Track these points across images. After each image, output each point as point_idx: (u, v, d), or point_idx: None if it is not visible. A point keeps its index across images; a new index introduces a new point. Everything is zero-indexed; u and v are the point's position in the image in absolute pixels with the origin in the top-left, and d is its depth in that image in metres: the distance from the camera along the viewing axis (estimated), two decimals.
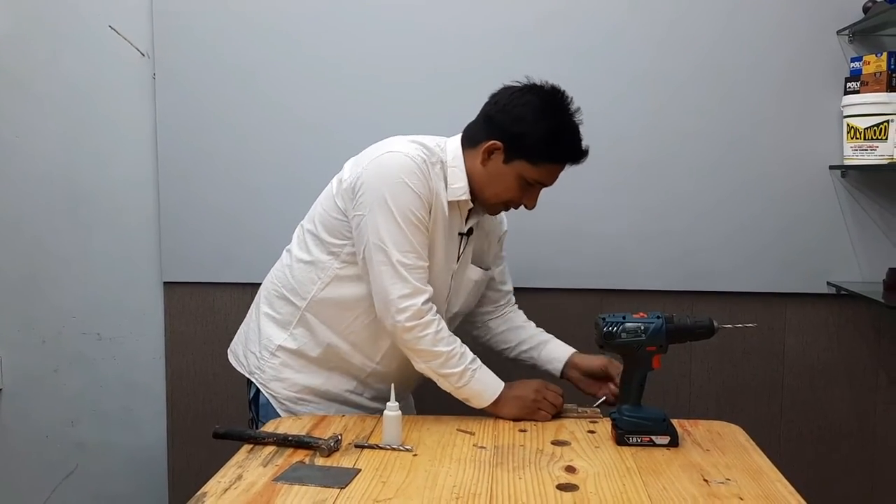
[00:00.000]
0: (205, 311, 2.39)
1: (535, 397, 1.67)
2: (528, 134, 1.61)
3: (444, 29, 2.24)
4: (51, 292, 2.44)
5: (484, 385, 1.65)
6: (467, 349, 1.67)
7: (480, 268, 1.81)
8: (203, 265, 2.36)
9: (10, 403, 2.48)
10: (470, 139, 1.69)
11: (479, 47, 2.23)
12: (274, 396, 1.78)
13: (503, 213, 1.86)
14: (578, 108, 1.67)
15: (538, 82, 1.68)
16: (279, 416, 1.76)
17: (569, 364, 1.83)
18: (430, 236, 1.64)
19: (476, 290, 1.82)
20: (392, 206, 1.58)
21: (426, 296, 1.61)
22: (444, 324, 1.65)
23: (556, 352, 1.86)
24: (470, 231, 1.74)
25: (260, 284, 2.35)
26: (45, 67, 2.36)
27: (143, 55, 2.34)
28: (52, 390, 2.46)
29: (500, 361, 1.88)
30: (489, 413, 1.68)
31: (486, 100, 1.73)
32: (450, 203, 1.67)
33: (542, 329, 1.94)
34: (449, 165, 1.67)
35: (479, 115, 1.71)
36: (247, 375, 1.84)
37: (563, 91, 1.67)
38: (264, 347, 1.79)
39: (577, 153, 1.66)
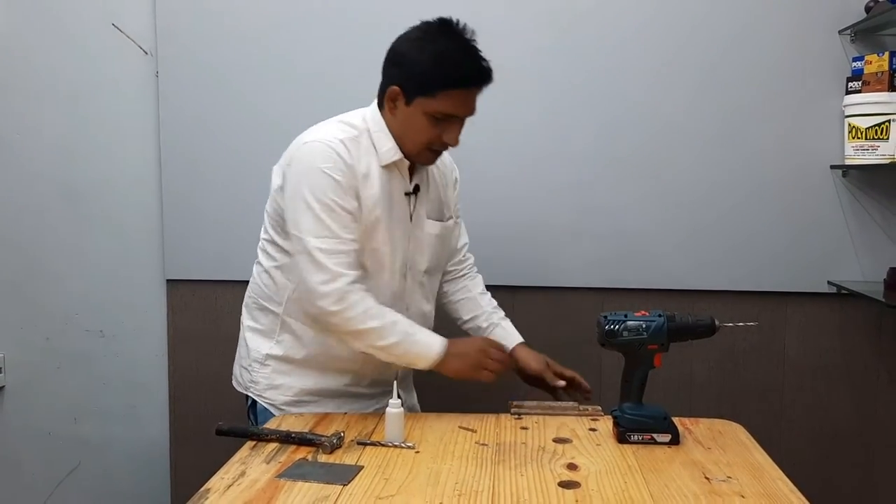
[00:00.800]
0: (207, 309, 2.39)
1: (477, 357, 1.66)
2: (415, 66, 1.59)
3: None
4: (53, 290, 2.44)
5: (424, 347, 1.63)
6: (401, 317, 1.64)
7: (440, 221, 1.78)
8: (206, 263, 2.36)
9: (13, 401, 2.48)
10: (380, 98, 1.68)
11: (483, 49, 2.23)
12: (272, 404, 1.77)
13: (449, 160, 1.85)
14: (472, 32, 1.61)
15: (430, 19, 1.64)
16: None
17: (511, 353, 1.80)
18: (370, 208, 1.63)
19: (441, 243, 1.79)
20: (308, 196, 1.59)
21: (348, 278, 1.59)
22: (371, 300, 1.61)
23: (504, 339, 1.83)
24: (416, 188, 1.72)
25: None
26: (47, 65, 2.36)
27: (146, 53, 2.34)
28: (55, 388, 2.47)
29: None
30: (436, 373, 1.66)
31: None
32: (386, 168, 1.66)
33: (497, 306, 1.91)
34: (373, 132, 1.66)
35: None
36: (243, 392, 1.83)
37: (453, 20, 1.62)
38: (254, 360, 1.79)
39: (469, 73, 1.59)
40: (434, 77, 1.58)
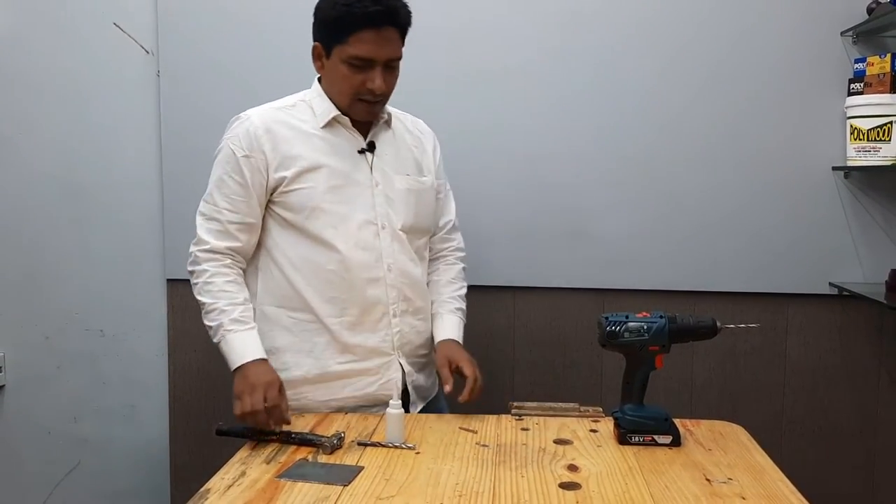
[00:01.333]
0: None
1: (251, 401, 1.55)
2: (326, 17, 1.62)
3: (451, 31, 2.24)
4: (54, 289, 2.44)
5: (230, 350, 1.63)
6: (237, 310, 1.64)
7: (411, 176, 1.76)
8: None
9: (13, 400, 2.48)
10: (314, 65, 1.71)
11: (483, 49, 2.23)
12: (292, 398, 1.69)
13: (425, 127, 1.86)
14: None
15: None
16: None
17: (441, 345, 1.77)
18: (304, 167, 1.66)
19: (417, 198, 1.76)
20: (215, 162, 1.72)
21: (207, 245, 1.68)
22: (222, 277, 1.66)
23: (436, 330, 1.80)
24: (371, 145, 1.72)
25: None
26: (49, 64, 2.36)
27: (148, 52, 2.34)
28: (55, 387, 2.47)
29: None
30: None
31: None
32: (329, 128, 1.69)
33: (459, 296, 1.86)
34: (311, 99, 1.72)
35: None
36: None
37: None
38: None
39: (371, 11, 1.58)
40: (341, 22, 1.60)
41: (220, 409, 2.40)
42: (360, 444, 1.51)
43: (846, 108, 2.17)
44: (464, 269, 1.92)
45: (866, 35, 2.17)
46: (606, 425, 1.63)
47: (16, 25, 2.36)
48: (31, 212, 2.42)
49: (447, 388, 1.69)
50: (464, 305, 1.87)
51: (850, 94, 2.16)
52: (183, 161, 2.33)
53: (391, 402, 1.52)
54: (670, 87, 2.24)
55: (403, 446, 1.50)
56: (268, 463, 1.43)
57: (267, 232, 1.71)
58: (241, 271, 1.72)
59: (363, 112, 1.69)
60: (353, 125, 1.71)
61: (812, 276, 2.26)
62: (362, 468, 1.40)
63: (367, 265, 1.68)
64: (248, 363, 1.61)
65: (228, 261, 1.69)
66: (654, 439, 1.52)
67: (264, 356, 1.64)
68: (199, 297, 1.69)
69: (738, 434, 1.62)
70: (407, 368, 1.76)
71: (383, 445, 1.50)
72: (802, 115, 2.22)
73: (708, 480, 1.37)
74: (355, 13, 1.58)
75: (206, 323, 1.68)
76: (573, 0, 2.23)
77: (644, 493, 1.31)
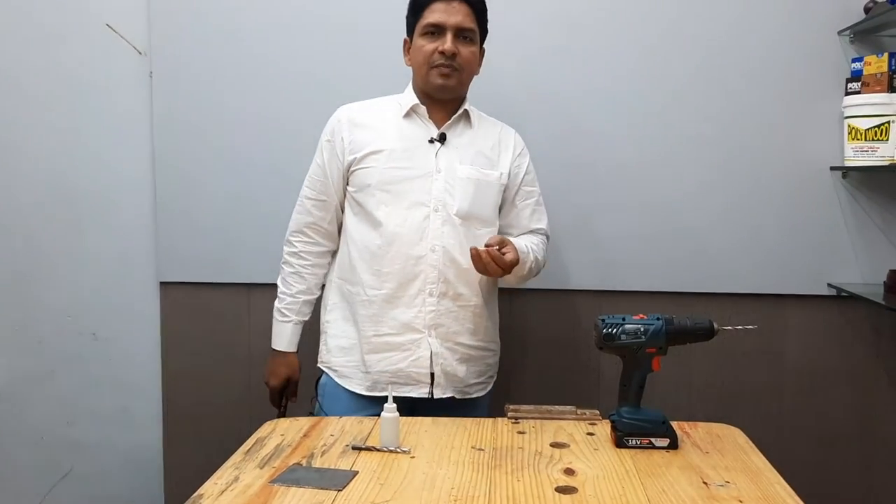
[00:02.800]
0: (201, 312, 2.37)
1: (269, 381, 1.99)
2: (408, 8, 1.86)
3: None
4: (46, 292, 2.42)
5: (274, 336, 1.97)
6: (284, 301, 1.94)
7: (476, 167, 1.86)
8: (199, 265, 2.34)
9: (6, 404, 2.46)
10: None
11: (487, 56, 2.22)
12: (332, 369, 1.92)
13: (515, 137, 1.96)
14: None
15: None
16: (338, 390, 1.89)
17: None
18: (375, 150, 1.83)
19: (476, 188, 1.85)
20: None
21: (291, 226, 1.94)
22: (286, 267, 1.94)
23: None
24: (443, 137, 1.85)
25: (256, 285, 2.35)
26: (41, 65, 2.34)
27: (141, 53, 2.32)
28: (48, 391, 2.45)
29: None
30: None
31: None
32: (410, 118, 1.86)
33: (530, 238, 1.94)
34: (400, 95, 1.90)
35: None
36: (319, 366, 1.97)
37: None
38: (322, 331, 1.97)
39: None
40: (418, 1, 1.82)
41: (214, 413, 2.39)
42: (354, 448, 1.50)
43: (843, 107, 2.16)
44: (545, 248, 1.99)
45: (863, 34, 2.17)
46: (603, 428, 1.62)
47: (6, 26, 2.34)
48: (23, 214, 2.40)
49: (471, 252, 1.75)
50: (539, 255, 1.92)
51: (847, 93, 2.15)
52: (176, 163, 2.32)
53: (386, 405, 1.51)
54: (666, 87, 2.23)
55: (398, 450, 1.48)
56: (261, 468, 1.42)
57: (345, 213, 1.90)
58: (311, 257, 1.93)
59: (438, 77, 1.81)
60: (431, 117, 1.86)
61: (810, 277, 2.25)
62: (356, 473, 1.39)
63: (410, 242, 1.81)
64: (276, 351, 1.98)
65: (300, 246, 1.92)
66: (651, 442, 1.51)
67: (288, 349, 1.96)
68: (279, 277, 1.98)
69: (735, 436, 1.61)
70: (436, 349, 1.83)
71: (378, 450, 1.49)
72: (800, 115, 2.21)
73: (705, 483, 1.36)
74: None
75: (275, 301, 1.98)
76: (566, 4, 2.22)
77: (641, 496, 1.30)
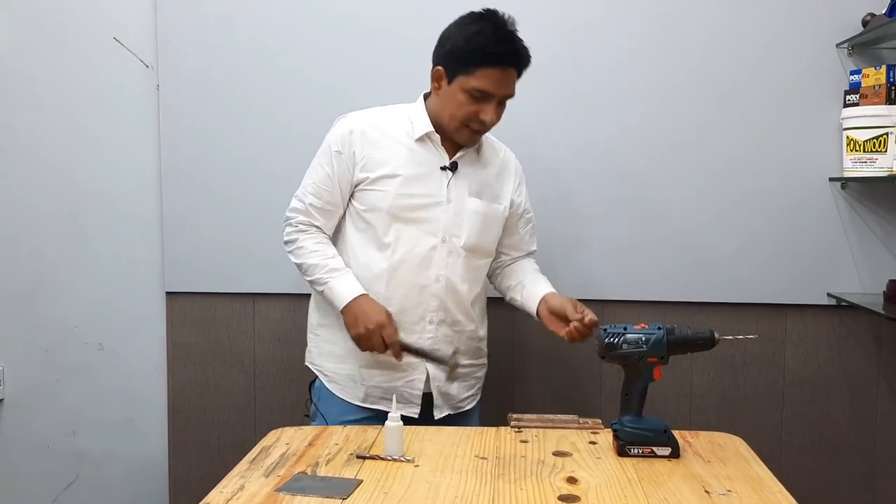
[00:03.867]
0: (206, 321, 2.39)
1: (370, 328, 1.74)
2: (455, 45, 1.73)
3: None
4: (53, 302, 2.44)
5: (333, 295, 1.79)
6: (330, 262, 1.80)
7: (483, 201, 1.86)
8: (205, 275, 2.36)
9: (12, 413, 2.48)
10: (430, 84, 1.83)
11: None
12: (320, 371, 1.92)
13: (515, 162, 1.96)
14: (511, 18, 1.75)
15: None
16: (331, 394, 1.89)
17: (542, 301, 1.86)
18: (387, 173, 1.79)
19: (483, 222, 1.86)
20: (315, 156, 1.88)
21: (291, 220, 1.86)
22: (308, 241, 1.83)
23: (534, 292, 1.89)
24: (455, 166, 1.83)
25: (262, 295, 2.37)
26: (49, 78, 2.37)
27: (147, 67, 2.35)
28: (54, 400, 2.47)
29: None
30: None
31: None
32: (421, 141, 1.81)
33: (542, 276, 1.95)
34: (412, 111, 1.84)
35: None
36: (308, 366, 1.96)
37: (498, 10, 1.76)
38: (310, 331, 1.96)
39: (505, 53, 1.72)
40: (472, 54, 1.71)
41: (219, 422, 2.40)
42: (358, 456, 1.51)
43: (842, 119, 2.18)
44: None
45: (861, 47, 2.19)
46: (605, 437, 1.63)
47: (16, 40, 2.37)
48: (31, 225, 2.42)
49: (563, 335, 1.78)
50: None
51: (845, 105, 2.17)
52: (182, 174, 2.34)
53: (390, 414, 1.52)
54: (665, 98, 2.24)
55: (402, 459, 1.49)
56: (266, 476, 1.43)
57: (345, 221, 1.86)
58: (326, 237, 1.86)
59: (467, 138, 1.81)
60: (443, 143, 1.83)
61: (810, 287, 2.26)
62: (361, 481, 1.40)
63: (415, 271, 1.81)
64: (351, 301, 1.77)
65: (313, 230, 1.85)
66: (653, 451, 1.52)
67: (364, 292, 1.79)
68: (295, 262, 1.85)
69: (737, 445, 1.61)
70: (433, 373, 1.85)
71: (382, 458, 1.50)
72: (799, 127, 2.23)
73: (707, 492, 1.37)
74: (487, 51, 1.71)
75: (308, 279, 1.84)
76: (567, 16, 2.24)
77: None
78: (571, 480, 1.41)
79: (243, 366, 2.39)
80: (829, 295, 2.25)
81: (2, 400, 2.48)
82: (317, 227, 1.85)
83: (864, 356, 2.29)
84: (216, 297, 2.38)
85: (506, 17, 1.75)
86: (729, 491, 1.37)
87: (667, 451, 1.52)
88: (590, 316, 1.76)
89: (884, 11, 2.06)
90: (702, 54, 2.23)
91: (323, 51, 2.28)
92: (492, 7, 1.77)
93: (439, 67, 1.77)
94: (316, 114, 2.28)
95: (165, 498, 2.45)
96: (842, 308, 2.25)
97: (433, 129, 1.81)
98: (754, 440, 1.65)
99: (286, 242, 1.87)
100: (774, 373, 2.31)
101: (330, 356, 1.90)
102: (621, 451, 1.53)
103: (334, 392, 1.89)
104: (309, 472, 1.45)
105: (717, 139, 2.25)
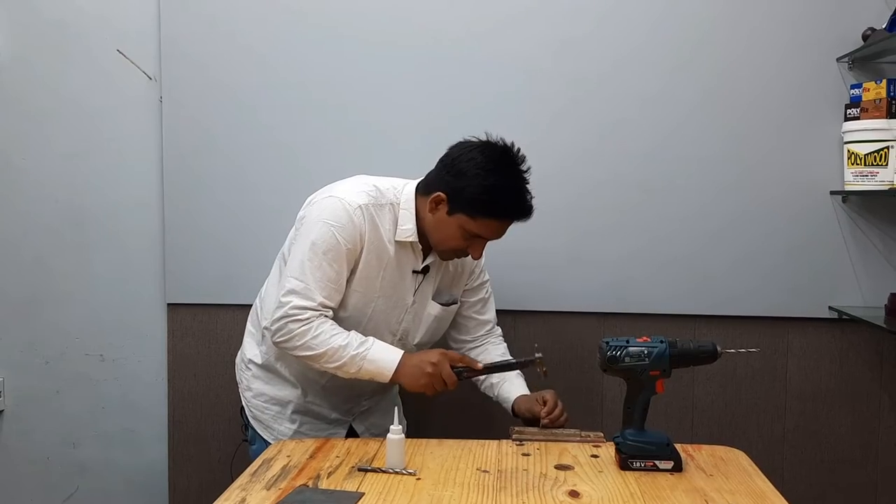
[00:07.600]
0: (207, 333, 2.39)
1: (429, 371, 1.70)
2: (467, 189, 1.68)
3: (450, 60, 2.26)
4: (54, 313, 2.44)
5: (377, 367, 1.71)
6: (355, 339, 1.70)
7: (440, 303, 1.87)
8: (206, 287, 2.36)
9: (12, 424, 2.47)
10: (424, 186, 1.76)
11: (483, 76, 2.25)
12: (247, 405, 1.95)
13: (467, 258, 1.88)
14: (528, 168, 1.72)
15: (492, 139, 1.74)
16: (250, 423, 1.93)
17: (514, 406, 1.85)
18: (369, 274, 1.75)
19: (437, 323, 1.89)
20: (308, 243, 1.71)
21: (301, 315, 1.69)
22: (324, 328, 1.69)
23: (508, 392, 1.87)
24: (426, 269, 1.82)
25: None
26: (53, 90, 2.38)
27: (151, 79, 2.36)
28: (54, 411, 2.46)
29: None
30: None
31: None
32: (401, 242, 1.77)
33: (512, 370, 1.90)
34: (401, 208, 1.76)
35: (436, 165, 1.77)
36: (238, 383, 2.00)
37: (514, 150, 1.73)
38: (242, 360, 1.97)
39: (514, 211, 1.72)
40: (482, 206, 1.68)
41: (219, 434, 2.39)
42: (360, 469, 1.51)
43: (843, 133, 2.18)
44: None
45: (862, 61, 2.20)
46: (608, 450, 1.63)
47: (20, 51, 2.38)
48: (33, 235, 2.43)
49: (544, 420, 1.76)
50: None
51: (846, 119, 2.18)
52: (184, 186, 2.34)
53: (391, 427, 1.52)
54: (668, 111, 2.25)
55: (404, 472, 1.49)
56: (268, 489, 1.43)
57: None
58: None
59: (448, 258, 1.82)
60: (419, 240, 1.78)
61: (812, 301, 2.26)
62: (362, 494, 1.40)
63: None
64: (400, 362, 1.71)
65: (324, 316, 1.73)
66: (655, 465, 1.52)
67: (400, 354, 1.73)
68: (312, 354, 1.70)
69: (739, 459, 1.61)
70: (359, 429, 1.96)
71: (384, 471, 1.50)
72: (800, 140, 2.23)
73: None
74: (499, 206, 1.69)
75: (332, 365, 1.71)
76: (569, 26, 2.25)
77: None
78: (574, 494, 1.41)
79: None
80: (830, 308, 2.25)
81: (2, 411, 2.47)
82: (328, 313, 1.75)
83: (865, 370, 2.29)
84: (217, 309, 2.38)
85: (523, 165, 1.71)
86: None
87: (669, 464, 1.52)
88: (556, 412, 1.76)
89: (884, 26, 2.07)
90: (704, 68, 2.24)
91: (326, 63, 2.29)
92: (508, 142, 1.73)
93: (442, 194, 1.70)
94: (319, 127, 2.30)
95: None
96: (843, 322, 2.25)
97: (417, 240, 1.77)
98: (757, 454, 1.65)
99: (290, 339, 1.70)
100: (776, 386, 2.31)
101: (268, 400, 1.91)
102: (623, 465, 1.53)
103: (266, 437, 1.91)
104: (310, 484, 1.45)
105: (718, 152, 2.25)
